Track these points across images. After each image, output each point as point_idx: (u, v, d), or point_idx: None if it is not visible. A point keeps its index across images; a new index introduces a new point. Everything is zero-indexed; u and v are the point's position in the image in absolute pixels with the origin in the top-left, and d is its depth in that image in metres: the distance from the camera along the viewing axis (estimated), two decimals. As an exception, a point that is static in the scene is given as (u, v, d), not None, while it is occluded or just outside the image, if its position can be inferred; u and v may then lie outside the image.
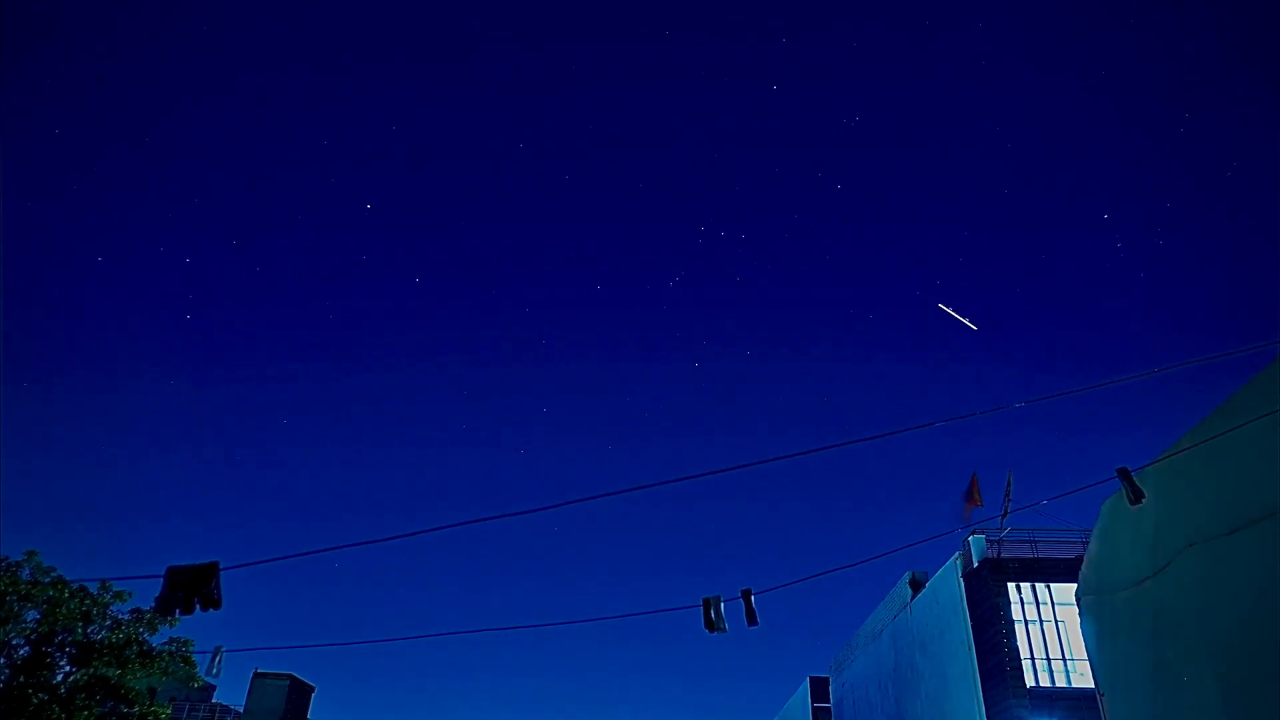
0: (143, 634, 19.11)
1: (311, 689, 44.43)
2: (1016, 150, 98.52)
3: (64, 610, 18.04)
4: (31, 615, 18.15)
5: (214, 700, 41.89)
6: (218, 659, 16.01)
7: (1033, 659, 19.63)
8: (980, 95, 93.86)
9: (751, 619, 10.69)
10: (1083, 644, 13.59)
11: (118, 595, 18.94)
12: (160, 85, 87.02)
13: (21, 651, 18.17)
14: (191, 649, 19.55)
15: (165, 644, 19.49)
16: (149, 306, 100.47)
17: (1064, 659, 19.78)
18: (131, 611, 19.23)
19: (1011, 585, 20.64)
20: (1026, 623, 20.13)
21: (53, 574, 18.30)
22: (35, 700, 17.40)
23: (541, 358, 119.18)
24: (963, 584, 22.03)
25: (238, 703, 41.45)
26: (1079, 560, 19.69)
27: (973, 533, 21.97)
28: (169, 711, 20.02)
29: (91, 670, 18.38)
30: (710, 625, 10.34)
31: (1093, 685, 11.69)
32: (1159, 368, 8.20)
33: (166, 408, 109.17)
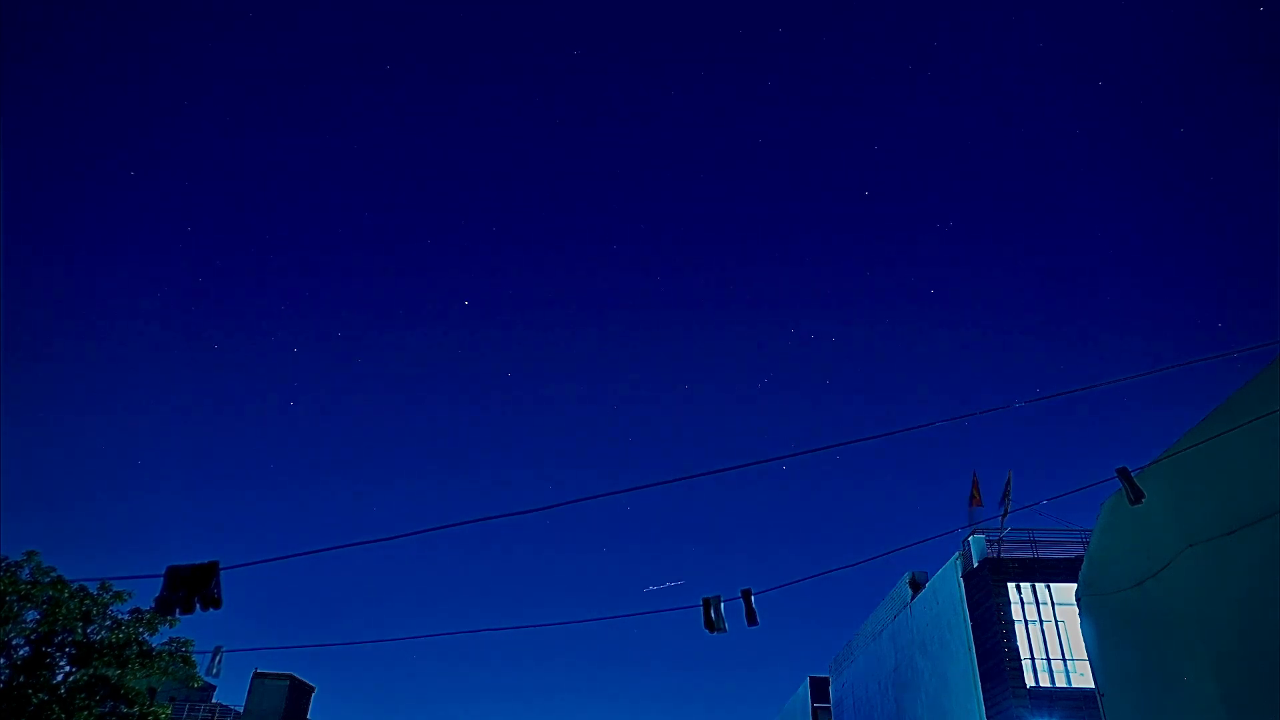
0: (143, 634, 19.09)
1: (311, 689, 44.42)
2: (1017, 151, 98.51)
3: (64, 610, 18.02)
4: (31, 615, 18.13)
5: (214, 700, 41.87)
6: (218, 659, 16.01)
7: (1033, 659, 19.62)
8: (980, 94, 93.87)
9: (751, 619, 10.69)
10: (1083, 644, 13.60)
11: (118, 595, 18.91)
12: (160, 81, 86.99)
13: (21, 651, 18.15)
14: (191, 649, 19.53)
15: (165, 644, 19.47)
16: (149, 304, 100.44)
17: (1064, 659, 19.78)
18: (131, 611, 19.21)
19: (1011, 585, 20.62)
20: (1026, 623, 20.13)
21: (53, 574, 18.28)
22: (35, 700, 17.40)
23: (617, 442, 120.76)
24: (963, 584, 22.03)
25: (238, 703, 41.46)
26: (1079, 560, 19.71)
27: (972, 533, 21.96)
28: (169, 711, 20.00)
29: (91, 670, 18.36)
30: (710, 625, 10.34)
31: (1093, 685, 11.68)
32: (1159, 368, 8.20)
33: (166, 407, 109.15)
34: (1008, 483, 21.55)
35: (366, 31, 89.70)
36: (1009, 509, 21.10)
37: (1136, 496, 8.48)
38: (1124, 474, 8.58)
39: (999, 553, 21.51)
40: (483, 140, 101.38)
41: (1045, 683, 19.38)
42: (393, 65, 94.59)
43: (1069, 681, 19.51)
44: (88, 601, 18.56)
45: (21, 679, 17.70)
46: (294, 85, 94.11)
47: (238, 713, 41.07)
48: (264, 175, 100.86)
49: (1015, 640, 19.70)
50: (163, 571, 7.55)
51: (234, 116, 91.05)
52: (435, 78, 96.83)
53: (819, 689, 40.73)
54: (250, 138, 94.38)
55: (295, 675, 42.02)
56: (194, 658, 19.45)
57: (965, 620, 21.54)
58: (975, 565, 21.49)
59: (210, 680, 19.72)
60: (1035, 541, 22.02)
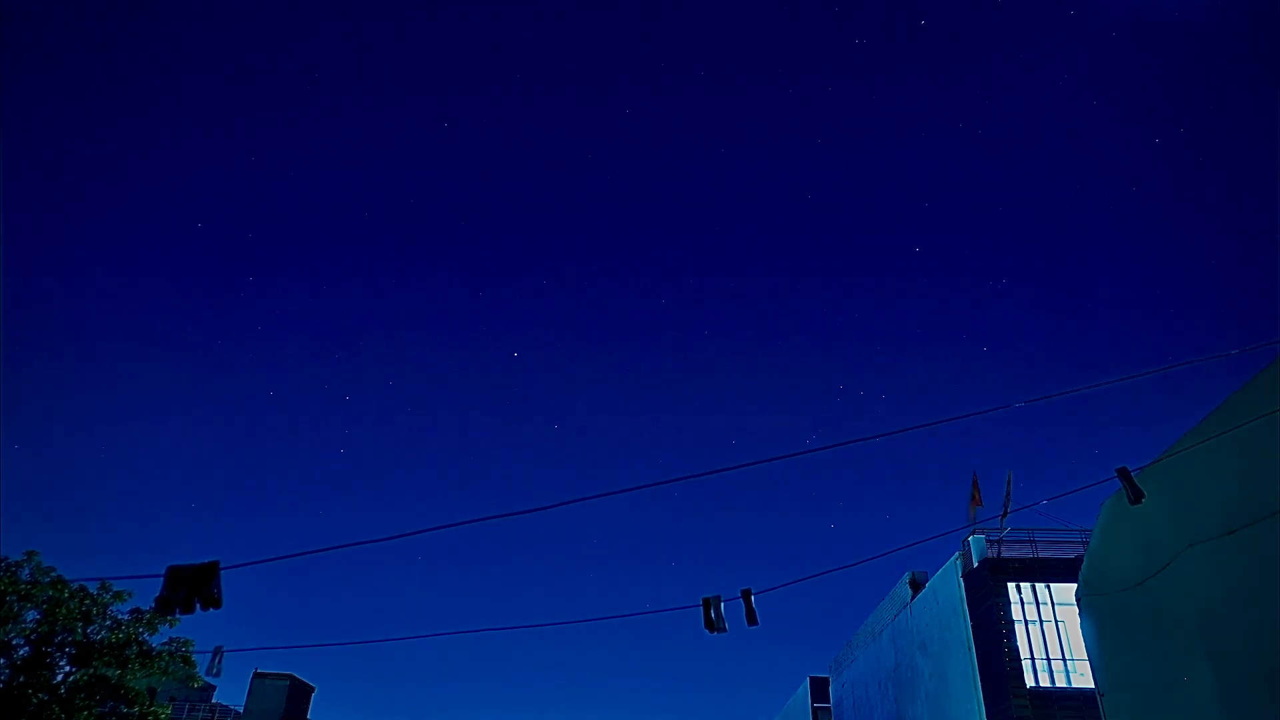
0: (143, 634, 19.10)
1: (311, 689, 44.46)
2: (1016, 149, 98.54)
3: (64, 610, 18.04)
4: (31, 615, 18.15)
5: (214, 700, 41.91)
6: (218, 659, 16.00)
7: (1033, 659, 19.62)
8: (976, 92, 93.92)
9: (751, 619, 10.69)
10: (1083, 644, 13.60)
11: (117, 595, 18.93)
12: (204, 100, 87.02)
13: (21, 651, 18.16)
14: (191, 649, 19.54)
15: (165, 644, 19.48)
16: (151, 302, 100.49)
17: (1064, 659, 19.78)
18: (131, 611, 19.22)
19: (1011, 585, 20.63)
20: (1026, 623, 20.13)
21: (52, 574, 18.30)
22: (35, 700, 17.41)
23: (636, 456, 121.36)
24: (963, 584, 22.03)
25: (238, 703, 41.50)
26: (1079, 560, 19.70)
27: (973, 533, 21.96)
28: (169, 711, 20.02)
29: (91, 670, 18.37)
30: (710, 625, 10.34)
31: (1093, 685, 11.68)
32: (1159, 368, 8.20)
33: (167, 406, 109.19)
34: (1008, 482, 21.57)
35: (431, 72, 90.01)
36: (1009, 509, 21.11)
37: (1136, 496, 8.48)
38: (1124, 474, 8.58)
39: (999, 553, 21.52)
40: (527, 170, 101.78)
41: (1045, 683, 19.38)
42: (437, 102, 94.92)
43: (1069, 681, 19.51)
44: (88, 601, 18.57)
45: (21, 679, 17.71)
46: (338, 114, 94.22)
47: (238, 713, 41.10)
48: (274, 166, 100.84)
49: (1015, 640, 19.71)
50: (163, 571, 7.55)
51: (275, 143, 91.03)
52: (475, 114, 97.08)
53: (819, 689, 40.74)
54: (270, 163, 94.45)
55: (295, 675, 42.06)
56: (194, 658, 19.47)
57: (965, 620, 21.54)
58: (975, 565, 21.49)
59: (210, 680, 19.76)
60: (1035, 541, 22.02)
